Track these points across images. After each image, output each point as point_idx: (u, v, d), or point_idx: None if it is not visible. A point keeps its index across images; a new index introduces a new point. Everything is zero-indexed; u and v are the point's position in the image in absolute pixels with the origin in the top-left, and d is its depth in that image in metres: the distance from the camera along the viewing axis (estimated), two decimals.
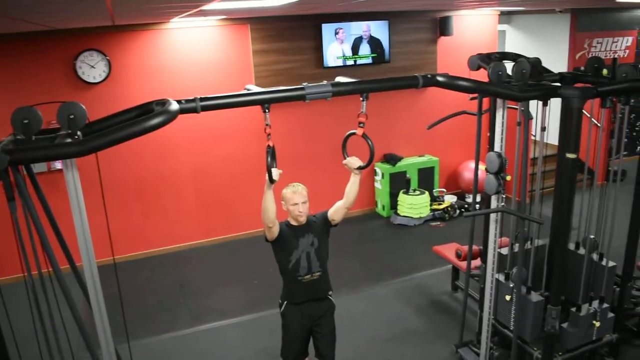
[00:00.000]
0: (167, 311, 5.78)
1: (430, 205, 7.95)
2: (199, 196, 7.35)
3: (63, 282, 2.62)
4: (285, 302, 3.77)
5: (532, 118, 3.88)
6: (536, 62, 4.05)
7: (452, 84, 3.25)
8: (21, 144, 2.39)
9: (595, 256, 4.28)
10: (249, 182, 7.36)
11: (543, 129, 3.85)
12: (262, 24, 7.03)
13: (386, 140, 8.11)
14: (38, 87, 6.20)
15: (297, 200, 3.56)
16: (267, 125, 2.97)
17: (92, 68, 6.40)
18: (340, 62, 7.42)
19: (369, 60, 7.60)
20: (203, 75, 6.92)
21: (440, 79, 3.19)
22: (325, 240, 3.71)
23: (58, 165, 6.34)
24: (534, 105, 3.74)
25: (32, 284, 2.62)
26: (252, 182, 7.26)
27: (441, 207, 7.95)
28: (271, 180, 3.19)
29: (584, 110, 3.55)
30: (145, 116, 2.44)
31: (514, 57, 4.32)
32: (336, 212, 3.67)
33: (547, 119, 3.81)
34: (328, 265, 3.76)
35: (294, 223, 3.65)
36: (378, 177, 8.17)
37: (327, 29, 7.23)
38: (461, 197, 8.54)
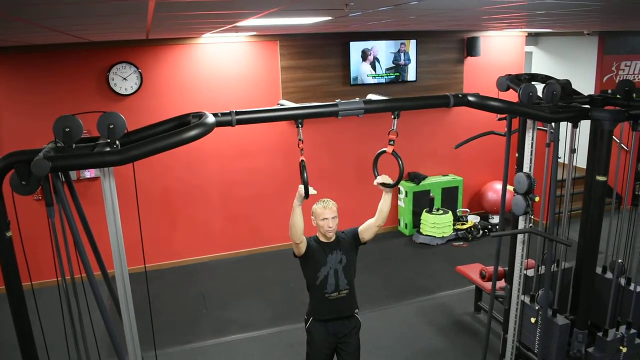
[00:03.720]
0: (190, 322, 5.82)
1: (454, 225, 7.92)
2: (224, 209, 7.41)
3: (96, 288, 2.67)
4: (311, 318, 3.73)
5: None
6: (566, 84, 4.05)
7: (483, 104, 3.26)
8: (62, 151, 2.44)
9: (622, 280, 4.23)
10: (274, 196, 7.43)
11: (573, 150, 3.84)
12: (291, 40, 7.13)
13: (410, 158, 8.09)
14: (70, 97, 6.34)
15: (327, 216, 3.54)
16: (299, 140, 3.01)
17: (124, 80, 6.54)
18: (367, 80, 7.47)
19: (395, 79, 7.64)
20: (231, 90, 7.02)
21: (471, 98, 3.21)
22: (353, 257, 3.69)
23: (87, 174, 6.46)
24: (563, 127, 3.74)
25: (65, 288, 2.67)
26: (278, 196, 7.34)
27: (464, 227, 7.91)
28: (306, 196, 3.17)
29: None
30: (183, 127, 2.49)
31: (543, 78, 4.32)
32: (367, 229, 3.65)
33: (576, 141, 3.80)
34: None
35: (322, 239, 3.63)
36: (401, 195, 8.16)
37: (354, 47, 7.29)
38: (484, 217, 8.49)
